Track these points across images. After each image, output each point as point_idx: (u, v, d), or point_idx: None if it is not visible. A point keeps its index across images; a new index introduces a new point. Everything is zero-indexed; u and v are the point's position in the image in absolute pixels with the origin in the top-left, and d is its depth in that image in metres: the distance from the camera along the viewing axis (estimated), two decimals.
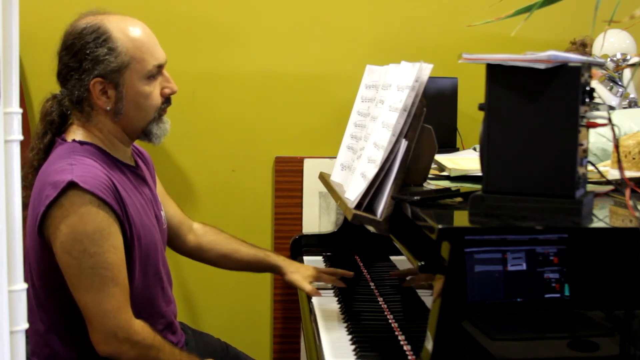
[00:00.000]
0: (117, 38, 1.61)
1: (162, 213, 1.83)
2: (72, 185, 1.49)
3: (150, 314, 1.68)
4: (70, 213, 1.50)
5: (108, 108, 1.63)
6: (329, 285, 1.99)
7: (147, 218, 1.68)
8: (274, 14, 2.83)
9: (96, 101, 1.63)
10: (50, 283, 1.57)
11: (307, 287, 1.94)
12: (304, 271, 1.99)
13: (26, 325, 0.92)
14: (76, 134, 1.66)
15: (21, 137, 0.91)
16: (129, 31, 1.64)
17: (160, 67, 1.69)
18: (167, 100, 1.72)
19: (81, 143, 1.63)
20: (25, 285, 0.92)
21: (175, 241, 2.03)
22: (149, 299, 1.69)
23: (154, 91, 1.68)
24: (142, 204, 1.68)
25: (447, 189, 1.47)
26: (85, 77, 1.61)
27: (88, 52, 1.60)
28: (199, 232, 2.07)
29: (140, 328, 1.57)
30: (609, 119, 1.23)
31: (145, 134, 1.70)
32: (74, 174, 1.51)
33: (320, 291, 1.93)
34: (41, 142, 1.66)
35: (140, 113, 1.67)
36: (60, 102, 1.67)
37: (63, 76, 1.65)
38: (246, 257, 2.06)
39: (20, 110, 0.91)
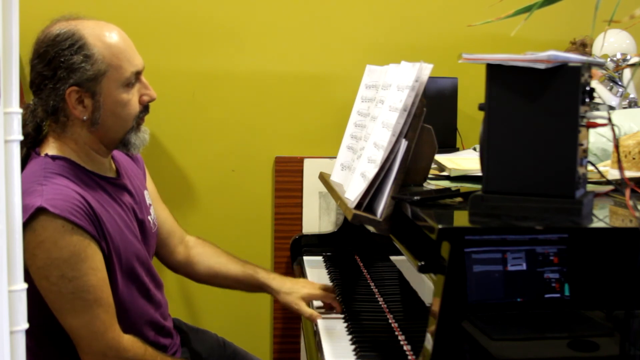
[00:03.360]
0: (93, 45, 1.55)
1: (151, 217, 1.77)
2: (41, 211, 1.44)
3: (140, 324, 1.66)
4: (44, 239, 1.45)
5: (85, 118, 1.57)
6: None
7: (128, 229, 1.63)
8: (273, 14, 2.83)
9: (72, 111, 1.56)
10: (31, 304, 1.52)
11: (306, 310, 1.80)
12: (298, 289, 1.86)
13: (26, 325, 0.92)
14: (50, 147, 1.59)
15: (21, 137, 0.91)
16: (105, 37, 1.57)
17: (138, 74, 1.62)
18: (145, 108, 1.65)
19: (54, 158, 1.56)
20: (25, 285, 0.92)
21: (163, 250, 1.93)
22: (137, 309, 1.65)
23: (132, 99, 1.61)
24: (121, 215, 1.62)
25: (447, 189, 1.47)
26: (61, 86, 1.54)
27: (63, 60, 1.53)
28: (189, 244, 1.98)
29: (130, 344, 1.54)
30: (609, 119, 1.22)
31: (124, 144, 1.64)
32: (44, 197, 1.46)
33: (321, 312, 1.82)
34: None
35: (118, 122, 1.60)
36: (34, 113, 1.60)
37: (36, 85, 1.58)
38: (234, 274, 1.93)
39: (20, 110, 0.91)
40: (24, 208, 1.42)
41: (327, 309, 1.84)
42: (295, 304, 1.83)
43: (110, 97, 1.57)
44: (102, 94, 1.57)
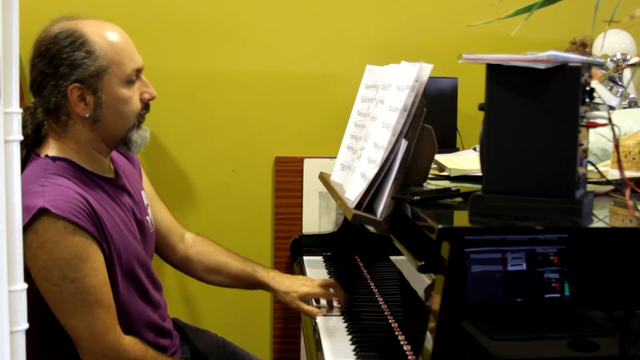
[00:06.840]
0: (95, 41, 1.55)
1: (149, 217, 1.77)
2: (43, 212, 1.43)
3: (139, 325, 1.66)
4: (45, 239, 1.45)
5: (86, 115, 1.57)
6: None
7: (128, 230, 1.63)
8: (274, 14, 2.83)
9: (74, 108, 1.56)
10: (31, 305, 1.50)
11: (305, 308, 1.83)
12: (297, 288, 1.87)
13: (26, 325, 0.92)
14: (50, 148, 1.59)
15: (21, 137, 0.91)
16: (106, 34, 1.57)
17: (138, 72, 1.62)
18: (146, 106, 1.65)
19: (54, 159, 1.56)
20: (25, 285, 0.92)
21: (164, 249, 1.94)
22: (136, 310, 1.65)
23: (134, 96, 1.61)
24: (121, 216, 1.62)
25: (447, 189, 1.47)
26: (63, 83, 1.54)
27: (65, 56, 1.53)
28: (188, 243, 1.98)
29: (131, 346, 1.54)
30: (609, 119, 1.23)
31: (125, 142, 1.63)
32: (46, 198, 1.45)
33: (322, 309, 1.83)
34: None
35: (120, 120, 1.60)
36: (34, 114, 1.60)
37: (38, 84, 1.57)
38: (233, 273, 1.94)
39: (20, 110, 0.91)
40: (26, 209, 1.41)
41: (329, 305, 1.86)
42: (294, 303, 1.85)
43: (111, 93, 1.58)
44: (103, 90, 1.57)
